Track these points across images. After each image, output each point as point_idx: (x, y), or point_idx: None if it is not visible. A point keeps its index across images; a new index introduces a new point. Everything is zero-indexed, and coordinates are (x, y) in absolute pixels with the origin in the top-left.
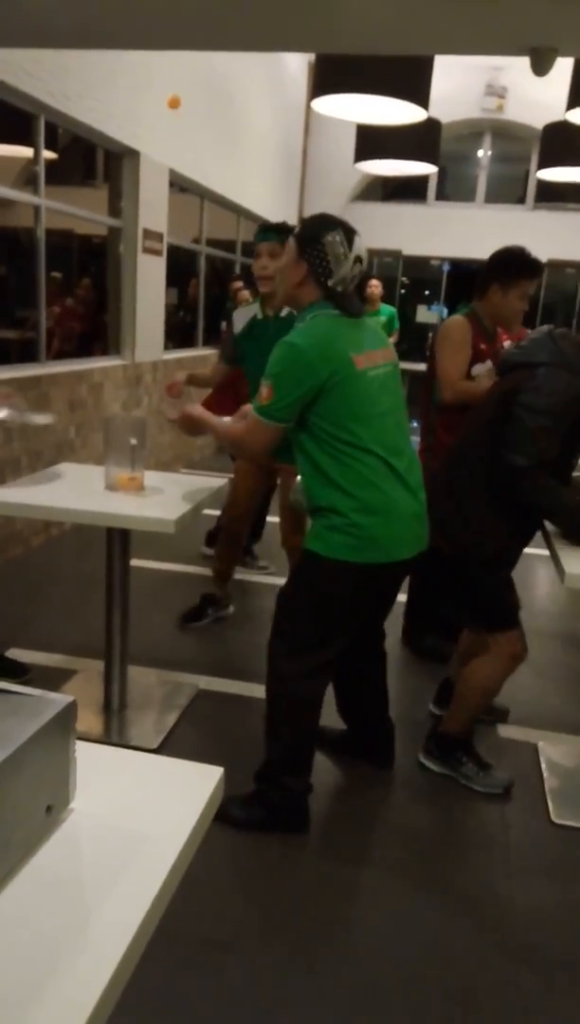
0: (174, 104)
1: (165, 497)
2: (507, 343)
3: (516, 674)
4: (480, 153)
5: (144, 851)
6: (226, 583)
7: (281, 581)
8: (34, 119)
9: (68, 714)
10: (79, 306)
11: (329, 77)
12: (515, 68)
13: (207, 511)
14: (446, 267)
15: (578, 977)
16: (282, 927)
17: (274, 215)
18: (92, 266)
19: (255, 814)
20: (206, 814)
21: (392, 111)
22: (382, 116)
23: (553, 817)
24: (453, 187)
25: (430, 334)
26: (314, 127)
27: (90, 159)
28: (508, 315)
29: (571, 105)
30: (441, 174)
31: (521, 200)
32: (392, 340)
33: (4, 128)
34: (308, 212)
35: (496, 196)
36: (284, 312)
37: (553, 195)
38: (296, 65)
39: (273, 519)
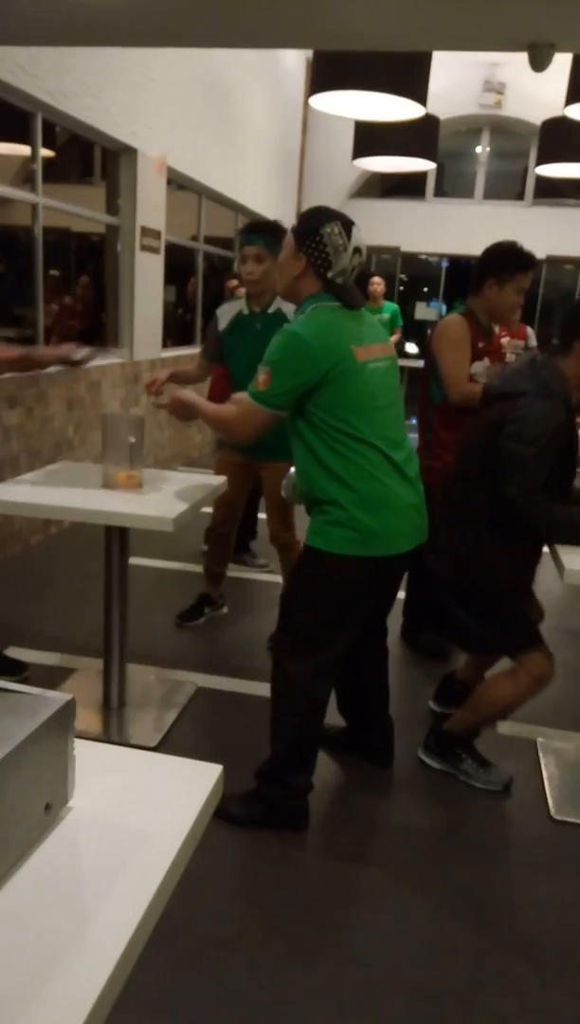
0: (161, 166)
1: (163, 495)
2: (505, 340)
3: None
4: (478, 149)
5: (143, 849)
6: (219, 583)
7: (279, 579)
8: (31, 117)
9: (67, 712)
10: (77, 304)
11: (327, 74)
12: (513, 64)
13: (206, 509)
14: (445, 264)
15: (577, 975)
16: (281, 925)
17: (272, 212)
18: (90, 264)
19: (254, 812)
20: (205, 812)
21: (390, 107)
22: (380, 112)
23: (553, 813)
24: (451, 183)
25: (429, 331)
26: (312, 124)
27: (87, 157)
28: (504, 310)
29: (569, 101)
30: (439, 170)
31: (520, 196)
32: (395, 337)
33: (1, 126)
34: (306, 209)
35: (495, 192)
36: (272, 308)
37: (552, 191)
38: (294, 62)
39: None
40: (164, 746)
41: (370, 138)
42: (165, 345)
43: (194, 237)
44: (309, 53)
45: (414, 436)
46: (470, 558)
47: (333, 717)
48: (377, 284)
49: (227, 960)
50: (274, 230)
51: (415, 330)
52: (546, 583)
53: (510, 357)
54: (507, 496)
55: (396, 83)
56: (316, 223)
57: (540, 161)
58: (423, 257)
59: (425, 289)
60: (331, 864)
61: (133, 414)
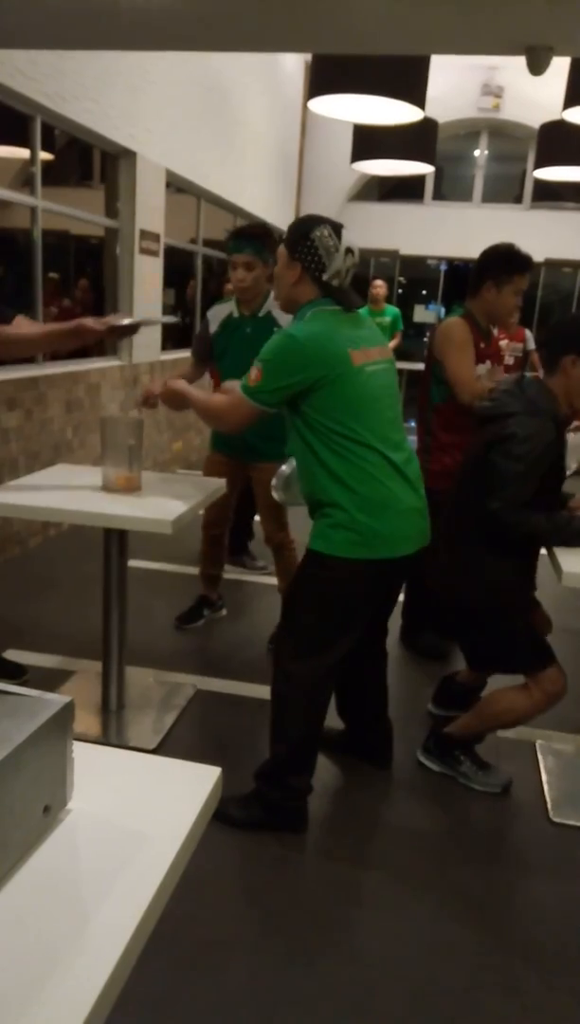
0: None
1: (162, 498)
2: (503, 342)
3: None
4: (477, 153)
5: (142, 851)
6: (216, 584)
7: (277, 580)
8: (30, 120)
9: (66, 714)
10: (76, 307)
11: (326, 77)
12: (511, 67)
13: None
14: (443, 267)
15: (577, 975)
16: (281, 927)
17: (271, 215)
18: (89, 267)
19: (254, 814)
20: (204, 814)
21: (388, 111)
22: (378, 116)
23: (552, 816)
24: (450, 187)
25: (427, 333)
26: (311, 127)
27: (86, 160)
28: (503, 312)
29: (567, 104)
30: (438, 174)
31: (518, 200)
32: (395, 342)
33: (1, 129)
34: (305, 212)
35: (493, 196)
36: (262, 312)
37: (550, 194)
38: (292, 65)
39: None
40: (163, 748)
41: (369, 141)
42: (164, 348)
43: (193, 240)
44: (308, 56)
45: (413, 439)
46: (470, 580)
47: (332, 719)
48: (379, 287)
49: (226, 961)
50: (262, 236)
51: (413, 333)
52: (543, 583)
53: (509, 359)
54: (491, 510)
55: (395, 86)
56: (305, 229)
57: (538, 164)
58: (432, 263)
59: (423, 292)
60: (330, 866)
61: (132, 417)
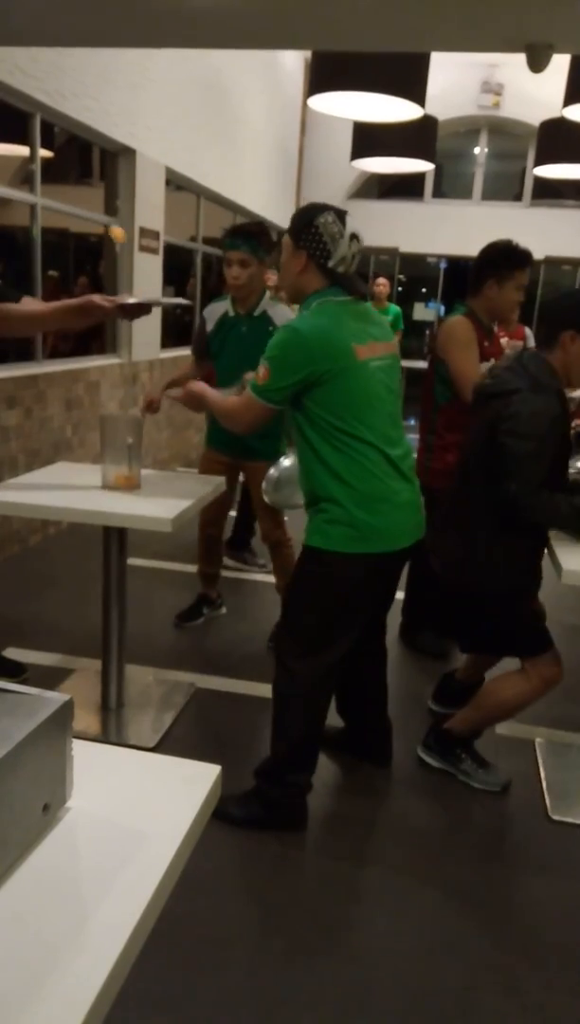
0: (119, 236)
1: (162, 496)
2: (504, 340)
3: None
4: (477, 150)
5: (142, 849)
6: (215, 583)
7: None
8: (30, 118)
9: (65, 713)
10: None
11: (325, 74)
12: (511, 65)
13: None
14: (443, 264)
15: (577, 973)
16: (280, 925)
17: (271, 213)
18: (88, 264)
19: (253, 812)
20: (204, 812)
21: (388, 108)
22: (378, 113)
23: (551, 814)
24: (450, 184)
25: (427, 332)
26: (310, 124)
27: (86, 158)
28: (505, 309)
29: (568, 102)
30: (438, 171)
31: (518, 197)
32: (396, 339)
33: (0, 127)
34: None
35: (493, 193)
36: (257, 311)
37: (550, 192)
38: (292, 63)
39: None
40: (162, 746)
41: (369, 139)
42: (164, 346)
43: (193, 238)
44: (308, 54)
45: (414, 437)
46: (478, 563)
47: (332, 717)
48: (382, 285)
49: (226, 959)
50: (258, 234)
51: (413, 331)
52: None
53: None
54: (508, 493)
55: (395, 84)
56: (309, 216)
57: (538, 162)
58: (432, 260)
59: (423, 290)
60: (330, 864)
61: (131, 415)
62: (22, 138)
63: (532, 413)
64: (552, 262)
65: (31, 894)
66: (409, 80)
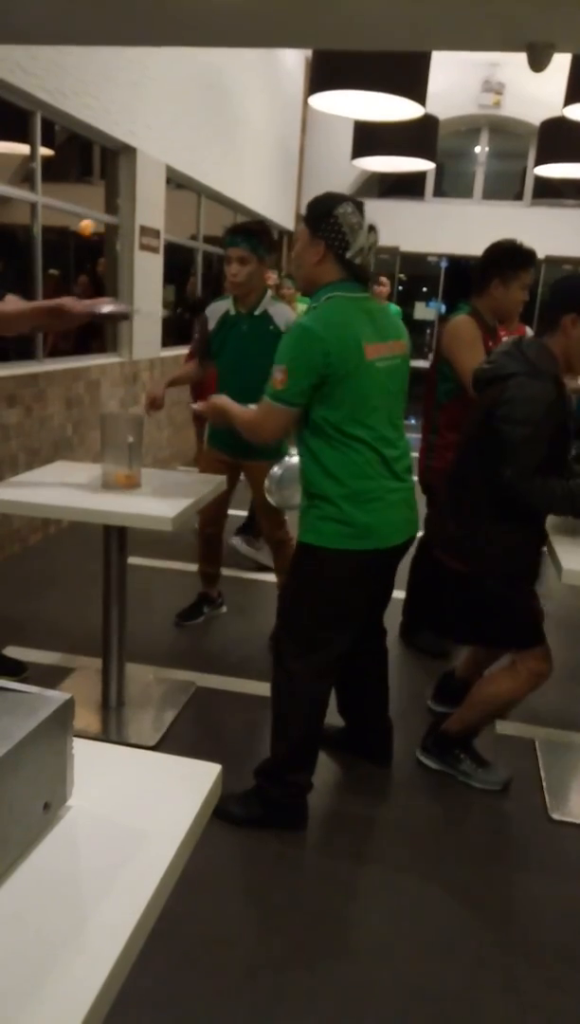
0: (86, 229)
1: (162, 495)
2: (505, 339)
3: None
4: (477, 149)
5: (142, 848)
6: (215, 582)
7: (276, 578)
8: (31, 116)
9: (66, 711)
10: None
11: (326, 73)
12: (512, 64)
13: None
14: (443, 263)
15: (577, 973)
16: (280, 924)
17: (271, 211)
18: (89, 263)
19: (253, 811)
20: (204, 811)
21: (389, 107)
22: (379, 112)
23: (551, 813)
24: (450, 183)
25: (428, 331)
26: (311, 123)
27: (87, 156)
28: (511, 308)
29: (568, 101)
30: (438, 170)
31: (519, 196)
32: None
33: (1, 125)
34: (305, 209)
35: (493, 192)
36: (258, 310)
37: (551, 191)
38: (293, 61)
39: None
40: (163, 745)
41: (369, 138)
42: (164, 344)
43: (193, 236)
44: (308, 52)
45: (416, 436)
46: (476, 548)
47: (333, 717)
48: (383, 285)
49: (226, 959)
50: (258, 232)
51: (414, 330)
52: (543, 583)
53: None
54: (505, 479)
55: (395, 83)
56: (329, 206)
57: (539, 161)
58: (432, 259)
59: (424, 289)
60: (330, 863)
61: (132, 413)
62: (22, 136)
63: (528, 398)
64: (553, 261)
65: (31, 893)
66: (410, 79)
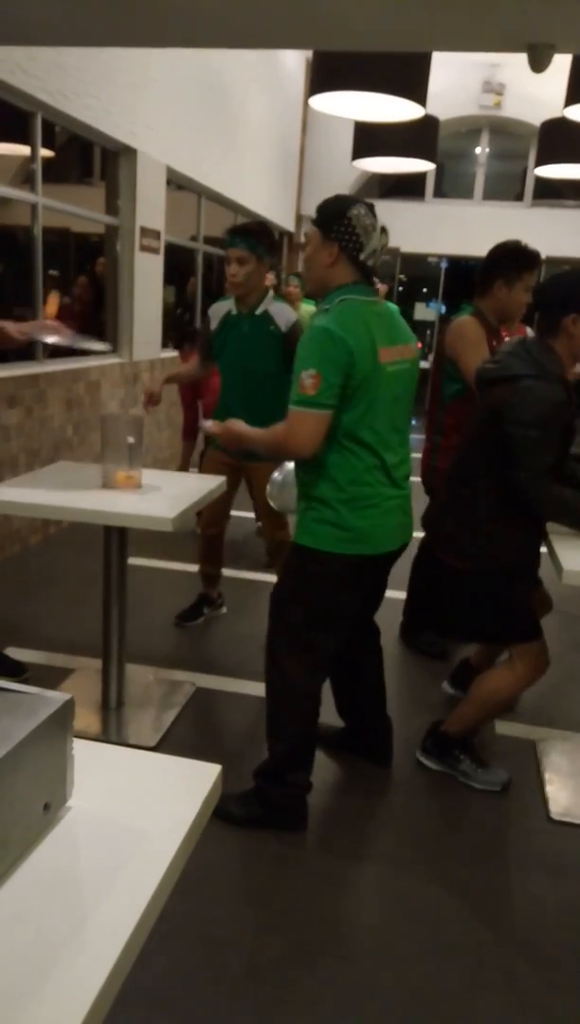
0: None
1: (162, 495)
2: (506, 339)
3: None
4: (478, 150)
5: (142, 848)
6: (215, 583)
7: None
8: (31, 117)
9: (66, 712)
10: (76, 304)
11: (326, 74)
12: (513, 65)
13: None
14: (444, 264)
15: (577, 973)
16: (281, 924)
17: (271, 212)
18: (89, 264)
19: (253, 811)
20: (204, 811)
21: (389, 108)
22: (379, 113)
23: (552, 814)
24: (451, 184)
25: (428, 332)
26: (311, 124)
27: (87, 157)
28: (514, 309)
29: (569, 102)
30: (439, 171)
31: (519, 197)
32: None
33: (1, 126)
34: (306, 210)
35: (494, 193)
36: (258, 310)
37: (551, 192)
38: (293, 62)
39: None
40: (163, 746)
41: (370, 138)
42: (164, 345)
43: (194, 237)
44: (309, 53)
45: (419, 438)
46: (477, 545)
47: (332, 717)
48: (380, 289)
49: (226, 959)
50: (258, 233)
51: (414, 331)
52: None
53: None
54: (518, 482)
55: (396, 83)
56: (342, 207)
57: (539, 162)
58: (432, 260)
59: (424, 290)
60: (330, 864)
61: (132, 414)
62: (23, 138)
63: (537, 400)
64: (553, 262)
65: (31, 893)
66: (410, 80)
